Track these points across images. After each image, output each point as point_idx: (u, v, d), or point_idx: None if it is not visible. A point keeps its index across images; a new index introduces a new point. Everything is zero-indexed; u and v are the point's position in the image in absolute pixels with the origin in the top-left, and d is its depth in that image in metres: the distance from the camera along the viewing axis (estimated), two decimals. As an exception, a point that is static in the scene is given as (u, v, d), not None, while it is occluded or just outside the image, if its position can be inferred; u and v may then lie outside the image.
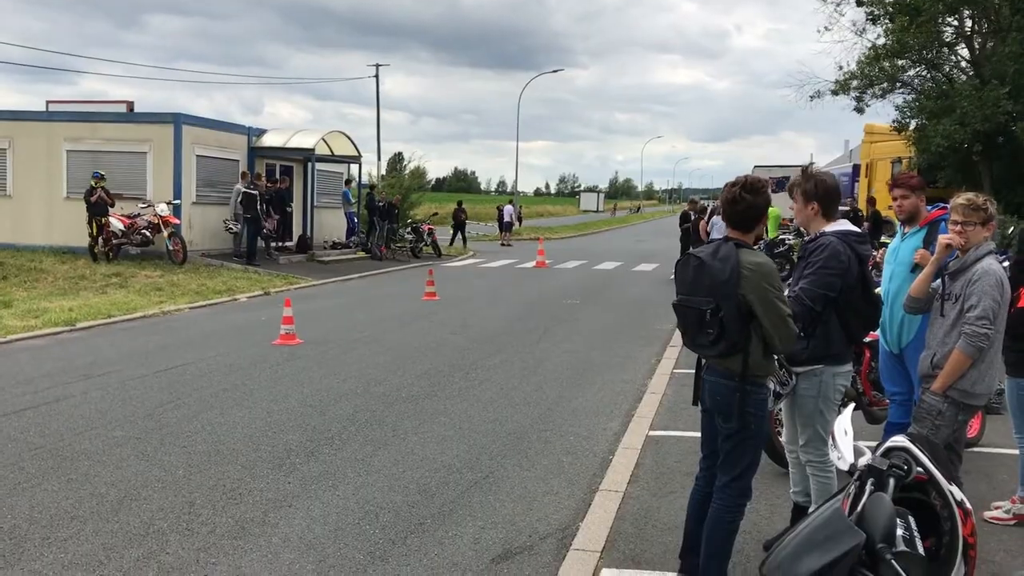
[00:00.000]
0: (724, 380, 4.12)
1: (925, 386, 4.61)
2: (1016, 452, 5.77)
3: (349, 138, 26.66)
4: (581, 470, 6.67)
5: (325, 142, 24.92)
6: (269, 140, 24.21)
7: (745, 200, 4.15)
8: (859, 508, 1.97)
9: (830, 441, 2.21)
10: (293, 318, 11.96)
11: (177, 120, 21.13)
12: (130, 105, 23.52)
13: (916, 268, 5.72)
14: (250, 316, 14.36)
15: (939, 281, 4.88)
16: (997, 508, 5.49)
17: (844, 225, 4.66)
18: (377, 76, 52.19)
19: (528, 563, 4.98)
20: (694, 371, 4.43)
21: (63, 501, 5.72)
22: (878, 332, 6.53)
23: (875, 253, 13.48)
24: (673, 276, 4.24)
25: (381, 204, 26.65)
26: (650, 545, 5.19)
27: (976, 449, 6.97)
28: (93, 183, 19.44)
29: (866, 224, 19.15)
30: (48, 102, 24.65)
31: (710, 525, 4.17)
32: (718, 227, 18.80)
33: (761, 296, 3.95)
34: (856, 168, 31.27)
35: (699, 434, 7.13)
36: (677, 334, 12.82)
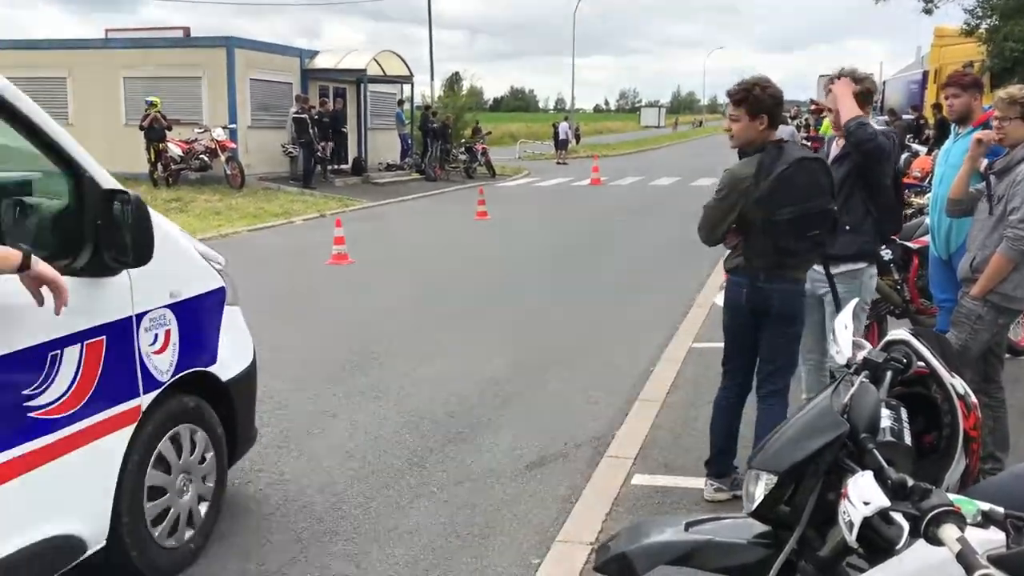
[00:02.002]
0: (794, 286, 4.24)
1: (965, 290, 4.48)
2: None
3: (401, 58, 26.45)
4: (621, 381, 6.70)
5: (377, 62, 24.77)
6: (321, 62, 24.16)
7: (778, 94, 4.20)
8: (846, 400, 1.94)
9: (830, 336, 2.18)
10: (345, 238, 12.09)
11: (230, 44, 21.20)
12: (186, 31, 23.64)
13: None
14: (305, 237, 14.56)
15: (984, 182, 4.69)
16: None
17: None
18: (430, -6, 51.37)
19: (561, 469, 5.06)
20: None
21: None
22: (927, 238, 6.36)
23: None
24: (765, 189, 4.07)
25: (435, 125, 26.54)
26: (683, 453, 5.21)
27: (1029, 357, 6.80)
28: (146, 108, 19.73)
29: (930, 132, 18.46)
30: (107, 30, 24.92)
31: (770, 428, 4.12)
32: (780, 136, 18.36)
33: None
34: (926, 74, 30.00)
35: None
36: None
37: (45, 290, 2.87)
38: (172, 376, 3.77)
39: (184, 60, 21.34)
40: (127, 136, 21.14)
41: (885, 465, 1.72)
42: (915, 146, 18.50)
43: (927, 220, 6.61)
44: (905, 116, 21.26)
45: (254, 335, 7.73)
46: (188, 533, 3.97)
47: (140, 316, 3.59)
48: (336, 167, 24.01)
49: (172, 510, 3.85)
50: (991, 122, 4.69)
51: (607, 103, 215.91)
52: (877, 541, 1.65)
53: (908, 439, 1.85)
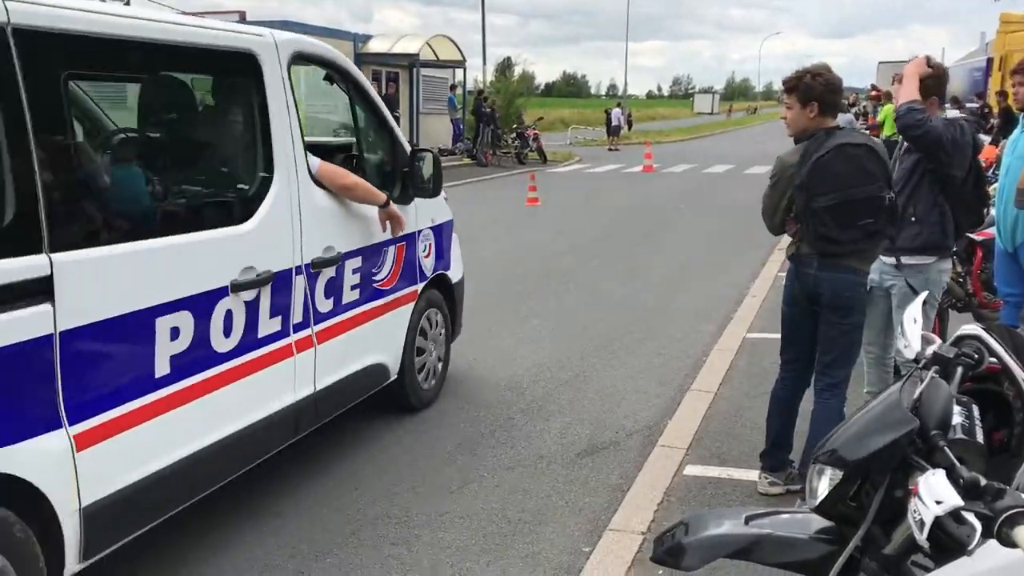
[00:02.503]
0: (850, 276, 4.10)
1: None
2: None
3: (454, 42, 26.49)
4: (673, 370, 6.65)
5: (430, 47, 24.84)
6: (374, 46, 24.30)
7: (833, 81, 4.08)
8: (916, 395, 1.89)
9: (897, 329, 2.13)
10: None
11: (285, 28, 21.37)
12: (242, 15, 23.85)
13: None
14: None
15: None
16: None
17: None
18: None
19: (613, 458, 5.04)
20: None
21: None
22: (992, 230, 6.20)
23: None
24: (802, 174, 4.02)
25: (487, 110, 26.53)
26: (737, 443, 5.16)
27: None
28: None
29: (995, 120, 17.97)
30: (164, 14, 25.27)
31: (824, 422, 4.06)
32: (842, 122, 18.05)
33: None
34: (990, 62, 29.20)
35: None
36: (783, 238, 12.46)
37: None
38: (432, 274, 5.77)
39: (241, 44, 21.58)
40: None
41: (957, 463, 1.68)
42: (979, 137, 18.06)
43: (993, 211, 6.45)
44: (969, 104, 20.71)
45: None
46: (432, 382, 5.90)
47: (419, 232, 5.54)
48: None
49: (427, 364, 5.82)
50: None
51: (660, 89, 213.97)
52: (946, 541, 1.61)
53: (980, 437, 1.80)
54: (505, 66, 48.21)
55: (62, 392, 3.03)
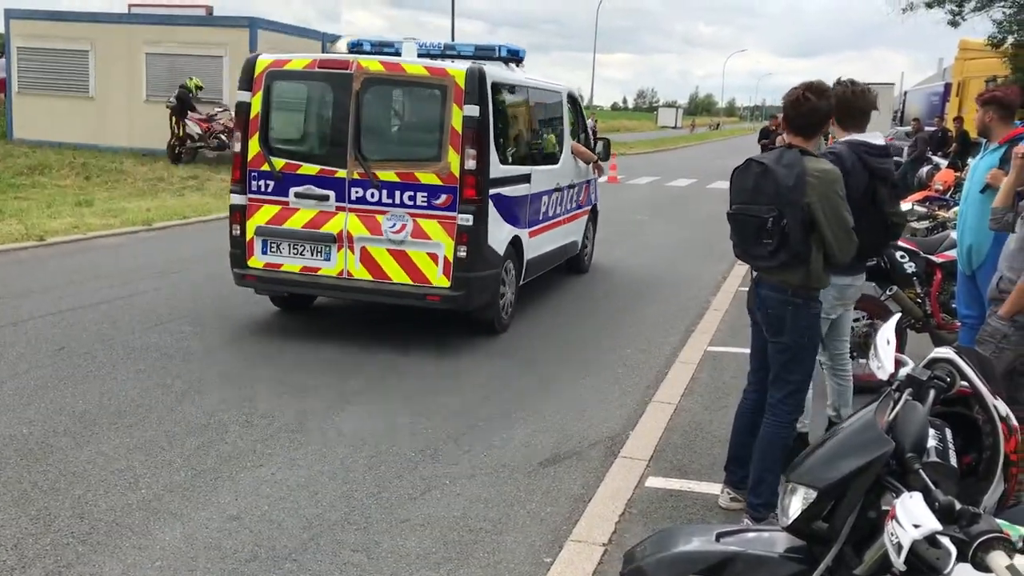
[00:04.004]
0: (777, 293, 4.00)
1: (992, 309, 4.43)
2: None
3: (423, 46, 26.39)
4: (636, 382, 6.67)
5: (399, 49, 24.72)
6: (343, 47, 24.07)
7: (808, 102, 3.96)
8: (890, 417, 1.90)
9: (871, 351, 2.14)
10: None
11: (253, 24, 21.16)
12: (209, 9, 23.60)
13: (987, 188, 5.48)
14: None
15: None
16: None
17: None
18: (454, -17, 51.18)
19: (576, 467, 5.03)
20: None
21: (131, 390, 5.95)
22: (952, 252, 6.32)
23: (960, 174, 12.93)
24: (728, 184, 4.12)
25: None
26: (698, 456, 5.18)
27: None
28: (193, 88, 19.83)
29: (954, 145, 18.33)
30: (130, 4, 24.90)
31: (763, 442, 4.11)
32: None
33: (826, 205, 3.82)
34: (948, 87, 29.81)
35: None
36: (746, 252, 12.58)
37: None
38: (592, 203, 11.04)
39: (207, 39, 21.31)
40: (148, 112, 21.15)
41: (932, 487, 1.68)
42: (936, 159, 18.39)
43: (952, 234, 6.57)
44: (928, 127, 21.10)
45: (269, 319, 7.85)
46: (508, 311, 7.99)
47: (590, 180, 10.72)
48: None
49: (589, 246, 10.89)
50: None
51: (625, 101, 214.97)
52: (920, 564, 1.62)
53: (953, 460, 1.82)
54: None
55: (525, 216, 8.10)
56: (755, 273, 4.15)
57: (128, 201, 15.44)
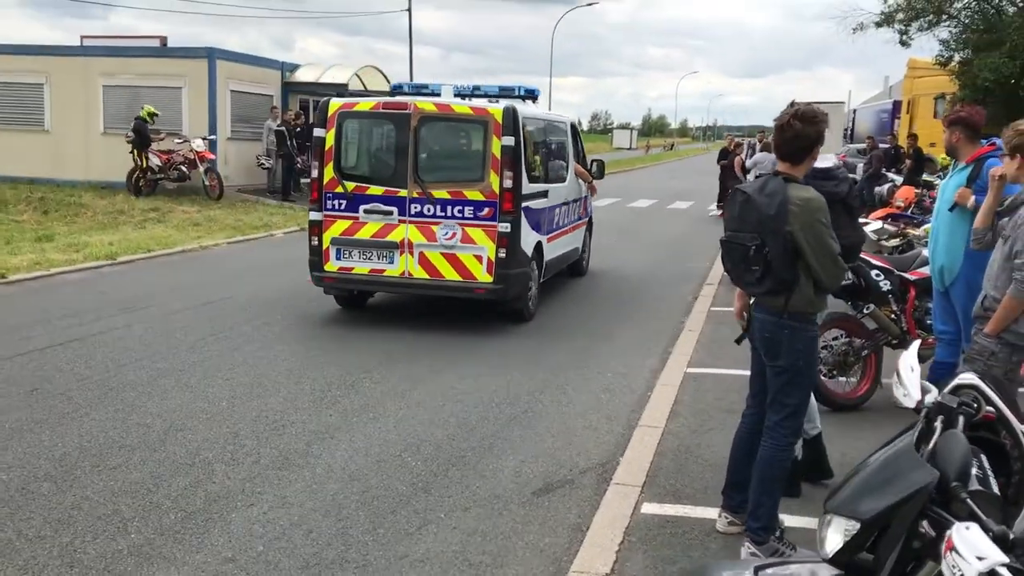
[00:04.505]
0: (772, 317, 4.04)
1: (978, 327, 4.50)
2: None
3: (383, 73, 26.39)
4: (620, 406, 6.68)
5: (359, 77, 24.67)
6: (303, 75, 24.03)
7: (793, 128, 3.99)
8: (930, 446, 1.92)
9: (895, 378, 2.16)
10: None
11: (211, 55, 21.02)
12: (163, 40, 23.42)
13: (955, 207, 5.60)
14: (287, 251, 14.42)
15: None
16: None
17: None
18: (410, 8, 51.40)
19: (569, 496, 5.01)
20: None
21: (111, 431, 5.82)
22: (925, 270, 6.43)
23: (921, 190, 13.20)
24: (720, 214, 4.19)
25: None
26: (690, 480, 5.19)
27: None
28: (147, 117, 19.52)
29: (908, 161, 18.72)
30: (82, 37, 24.60)
31: (762, 466, 4.13)
32: (760, 165, 18.50)
33: (810, 233, 3.86)
34: (897, 104, 30.52)
35: (737, 372, 7.09)
36: (714, 271, 12.70)
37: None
38: (588, 215, 12.94)
39: (164, 70, 21.11)
40: (106, 144, 20.87)
41: (983, 516, 1.70)
42: (890, 175, 18.76)
43: (924, 251, 6.69)
44: (882, 144, 21.54)
45: (243, 350, 7.78)
46: (534, 304, 9.72)
47: (585, 196, 12.46)
48: (315, 181, 23.85)
49: (587, 252, 12.87)
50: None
51: (580, 124, 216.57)
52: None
53: (995, 488, 1.83)
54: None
55: (544, 225, 9.87)
56: (752, 298, 4.18)
57: (89, 235, 15.18)
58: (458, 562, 4.23)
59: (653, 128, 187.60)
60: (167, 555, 4.20)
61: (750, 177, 18.86)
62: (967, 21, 22.95)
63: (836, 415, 6.24)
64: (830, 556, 1.93)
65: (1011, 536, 1.62)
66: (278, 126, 21.06)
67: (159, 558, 4.17)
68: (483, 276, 8.81)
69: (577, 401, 6.78)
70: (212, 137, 20.59)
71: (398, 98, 9.48)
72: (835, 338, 6.53)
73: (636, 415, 6.41)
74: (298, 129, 22.18)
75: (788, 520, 4.42)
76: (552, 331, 9.13)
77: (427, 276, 8.92)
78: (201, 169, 19.73)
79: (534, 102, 10.47)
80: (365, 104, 9.24)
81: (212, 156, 20.19)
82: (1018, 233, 4.25)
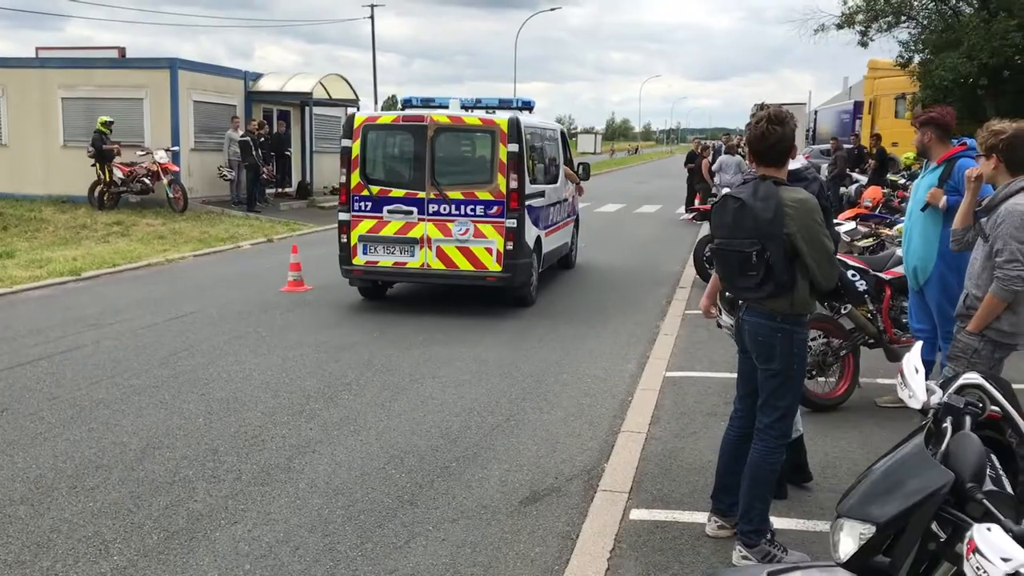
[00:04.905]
0: (766, 321, 4.03)
1: (961, 324, 4.55)
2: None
3: (347, 81, 26.25)
4: (602, 412, 6.67)
5: (323, 85, 24.53)
6: (266, 84, 23.83)
7: (776, 132, 4.01)
8: (943, 447, 1.92)
9: (899, 380, 2.16)
10: (301, 264, 11.88)
11: (173, 65, 20.77)
12: (121, 51, 23.10)
13: (927, 207, 5.67)
14: (255, 263, 14.28)
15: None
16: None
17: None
18: (372, 16, 51.30)
19: (557, 504, 4.99)
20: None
21: (86, 450, 5.70)
22: (900, 269, 6.51)
23: (888, 190, 13.37)
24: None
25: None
26: (677, 485, 5.19)
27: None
28: (103, 128, 19.18)
29: (871, 162, 18.97)
30: (38, 48, 24.21)
31: (753, 468, 4.13)
32: (726, 167, 18.65)
33: (807, 233, 3.87)
34: (858, 105, 30.93)
35: (716, 375, 7.13)
36: (687, 275, 12.77)
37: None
38: (575, 213, 14.12)
39: (126, 81, 20.83)
40: (66, 157, 20.55)
41: (1001, 517, 1.70)
42: (854, 175, 19.00)
43: (898, 251, 6.77)
44: (846, 145, 21.81)
45: (217, 364, 7.68)
46: (535, 291, 11.01)
47: (573, 196, 13.72)
48: (280, 190, 23.64)
49: (575, 247, 14.20)
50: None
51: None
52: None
53: (1009, 487, 1.84)
54: (390, 105, 48.07)
55: (542, 221, 11.13)
56: (745, 305, 4.17)
57: (52, 251, 14.93)
58: (449, 575, 4.18)
59: (617, 132, 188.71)
60: (151, 578, 4.11)
61: (716, 180, 19.08)
62: (925, 22, 23.31)
63: (817, 416, 6.28)
64: (844, 560, 1.92)
65: (1031, 536, 1.62)
66: (242, 136, 20.84)
67: (143, 581, 4.08)
68: (493, 266, 10.03)
69: (559, 407, 6.76)
70: (175, 148, 20.34)
71: (415, 111, 10.68)
72: (813, 339, 6.57)
73: (619, 420, 6.41)
74: (262, 139, 21.99)
75: (775, 522, 4.43)
76: (528, 338, 9.11)
77: (444, 267, 10.13)
78: (165, 181, 19.46)
79: (530, 112, 11.71)
80: (386, 117, 10.50)
81: (176, 168, 19.94)
82: (998, 232, 4.30)
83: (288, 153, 24.44)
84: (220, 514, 4.80)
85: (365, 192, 10.16)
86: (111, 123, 19.41)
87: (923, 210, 5.84)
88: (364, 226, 10.23)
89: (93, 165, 19.33)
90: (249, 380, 7.36)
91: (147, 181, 19.61)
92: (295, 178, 24.76)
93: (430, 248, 10.10)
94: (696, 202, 20.02)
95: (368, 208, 10.20)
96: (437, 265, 10.12)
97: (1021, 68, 20.08)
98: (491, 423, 6.37)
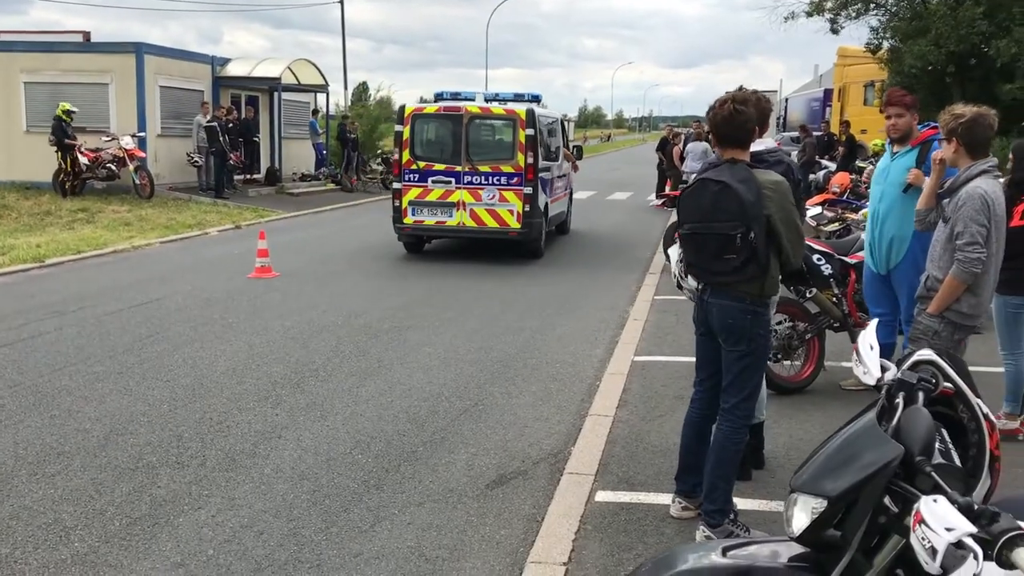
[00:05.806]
0: (736, 303, 4.05)
1: (921, 307, 4.60)
2: (1000, 370, 5.85)
3: (316, 66, 26.04)
4: (569, 396, 6.68)
5: (291, 71, 24.31)
6: (233, 69, 23.56)
7: (741, 114, 4.03)
8: (894, 422, 1.94)
9: (854, 357, 2.18)
10: (268, 251, 11.79)
11: (139, 49, 20.48)
12: (86, 35, 22.73)
13: (909, 188, 5.70)
14: (222, 250, 14.15)
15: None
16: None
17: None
18: (342, 1, 50.76)
19: (524, 487, 5.00)
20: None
21: (48, 437, 5.63)
22: (863, 253, 6.55)
23: (855, 176, 13.48)
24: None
25: (352, 135, 26.13)
26: (643, 468, 5.22)
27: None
28: (63, 115, 18.83)
29: (840, 148, 19.11)
30: (0, 32, 23.78)
31: (717, 448, 4.16)
32: (693, 153, 18.71)
33: (783, 215, 3.91)
34: (828, 92, 31.14)
35: (684, 359, 7.15)
36: (656, 261, 12.82)
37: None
38: (569, 188, 17.14)
39: (91, 65, 20.50)
40: (29, 143, 20.21)
41: (948, 489, 1.72)
42: (824, 162, 19.14)
43: (863, 236, 6.82)
44: (815, 132, 21.95)
45: (183, 350, 7.59)
46: (542, 244, 13.84)
47: (569, 173, 16.72)
48: (249, 176, 23.43)
49: (570, 215, 17.20)
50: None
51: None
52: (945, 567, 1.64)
53: (957, 460, 1.86)
54: (361, 91, 47.69)
55: (549, 191, 14.08)
56: (709, 288, 4.16)
57: (15, 237, 14.69)
58: (414, 557, 4.18)
59: (590, 119, 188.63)
60: (113, 563, 4.08)
61: (685, 166, 19.14)
62: (894, 9, 23.48)
63: (782, 398, 6.33)
64: (797, 534, 1.94)
65: (975, 506, 1.64)
66: (208, 122, 20.60)
67: (105, 566, 4.04)
68: (514, 224, 12.91)
69: (527, 392, 6.77)
70: (141, 134, 20.09)
71: (454, 102, 13.56)
72: (779, 323, 6.62)
73: (586, 404, 6.42)
74: (230, 125, 21.77)
75: (739, 503, 4.46)
76: (497, 324, 9.10)
77: (475, 225, 13.05)
78: (131, 167, 19.20)
79: (538, 104, 14.24)
80: (431, 108, 13.52)
81: (142, 154, 19.70)
82: (959, 215, 4.35)
83: (256, 139, 24.21)
84: (184, 500, 4.76)
85: (414, 167, 13.02)
86: (73, 112, 19.05)
87: (905, 191, 5.86)
88: (412, 193, 13.05)
89: (56, 152, 19.03)
90: (215, 366, 7.30)
91: (113, 167, 19.34)
92: (263, 164, 24.53)
93: (464, 210, 12.94)
94: (667, 189, 20.09)
95: (416, 179, 13.05)
96: (470, 223, 12.99)
97: (987, 55, 20.29)
98: (459, 408, 6.36)
